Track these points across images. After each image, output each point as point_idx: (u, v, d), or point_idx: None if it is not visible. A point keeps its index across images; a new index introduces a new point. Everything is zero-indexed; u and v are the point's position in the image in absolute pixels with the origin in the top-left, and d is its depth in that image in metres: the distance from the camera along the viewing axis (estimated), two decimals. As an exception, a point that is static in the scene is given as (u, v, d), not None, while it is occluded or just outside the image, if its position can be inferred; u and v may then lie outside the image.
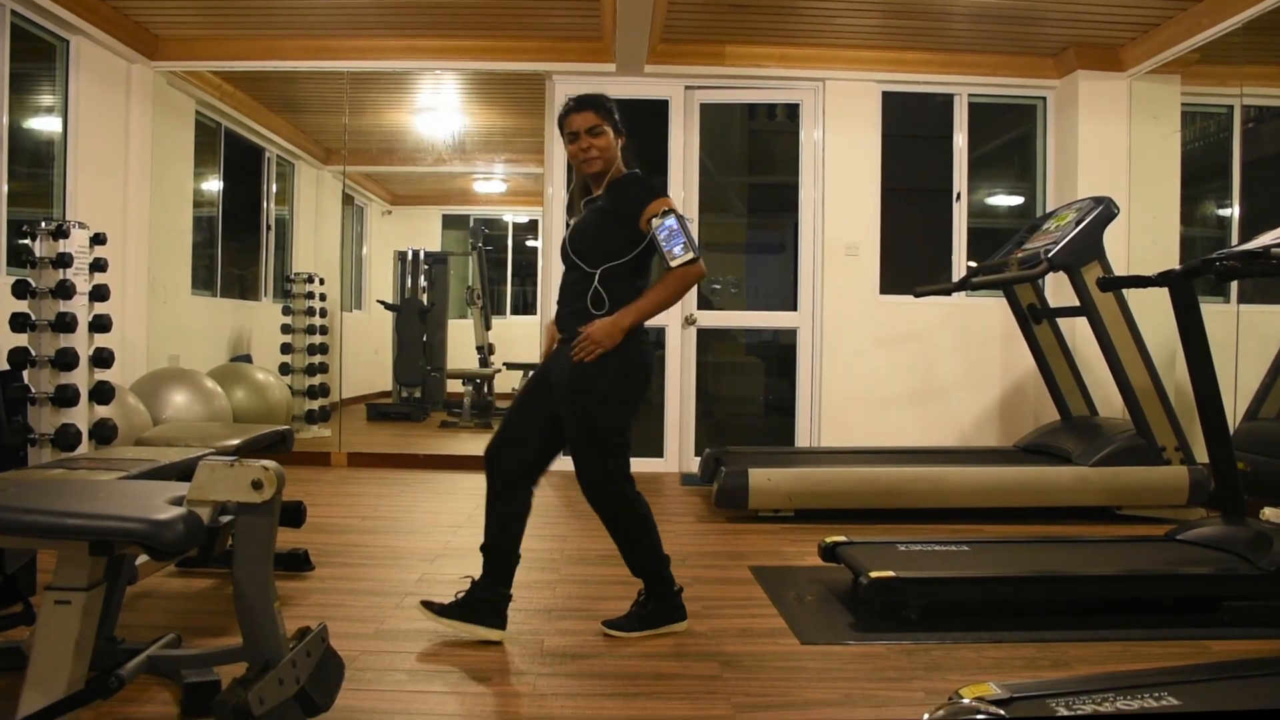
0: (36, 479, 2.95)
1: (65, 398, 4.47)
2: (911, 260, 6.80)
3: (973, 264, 6.41)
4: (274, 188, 9.10)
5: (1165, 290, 3.70)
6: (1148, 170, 6.41)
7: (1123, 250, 6.18)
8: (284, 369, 8.19)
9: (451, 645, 2.95)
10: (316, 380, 8.32)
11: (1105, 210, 5.13)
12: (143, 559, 2.87)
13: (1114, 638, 3.11)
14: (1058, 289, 6.07)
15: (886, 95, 6.65)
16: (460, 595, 3.07)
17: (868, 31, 6.24)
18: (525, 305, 11.82)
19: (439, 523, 4.87)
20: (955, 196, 6.72)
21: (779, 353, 6.92)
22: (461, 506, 5.25)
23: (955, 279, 6.27)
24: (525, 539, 3.09)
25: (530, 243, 11.72)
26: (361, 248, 11.25)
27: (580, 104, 3.12)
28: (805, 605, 3.46)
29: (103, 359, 4.73)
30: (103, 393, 4.74)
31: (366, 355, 10.46)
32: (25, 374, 4.50)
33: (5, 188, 5.29)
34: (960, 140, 6.74)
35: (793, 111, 6.80)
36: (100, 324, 4.74)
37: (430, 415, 9.49)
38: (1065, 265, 5.01)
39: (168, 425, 5.38)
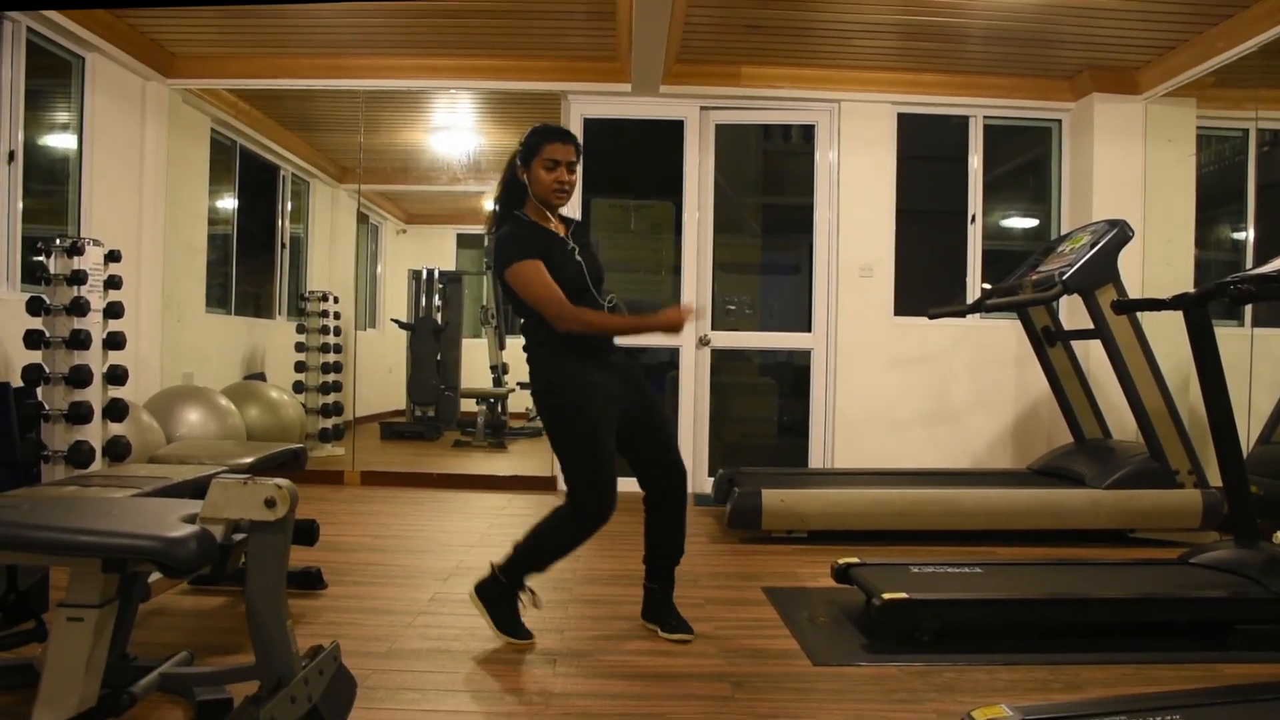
0: (49, 496, 2.97)
1: (79, 415, 4.49)
2: (926, 282, 6.79)
3: (987, 286, 6.41)
4: (289, 206, 9.14)
5: (1179, 313, 3.69)
6: (1162, 193, 6.39)
7: (1137, 273, 6.16)
8: (298, 387, 8.22)
9: (462, 665, 2.95)
10: (330, 399, 8.35)
11: (1120, 233, 5.11)
12: (155, 576, 2.88)
13: (1126, 660, 3.09)
14: (1072, 311, 6.05)
15: (902, 117, 6.66)
16: None
17: (883, 53, 6.26)
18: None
19: (452, 542, 4.86)
20: (970, 218, 6.72)
21: (793, 374, 6.90)
22: (474, 526, 5.23)
23: (970, 301, 6.26)
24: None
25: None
26: (376, 266, 11.28)
27: (568, 137, 3.25)
28: (818, 626, 3.45)
29: (116, 376, 4.75)
30: (116, 410, 4.75)
31: (380, 374, 10.48)
32: (39, 390, 4.53)
33: (20, 204, 5.32)
34: (975, 162, 6.73)
35: (808, 132, 6.80)
36: (114, 341, 4.76)
37: (444, 434, 9.48)
38: (1080, 288, 4.99)
39: (181, 443, 5.40)
